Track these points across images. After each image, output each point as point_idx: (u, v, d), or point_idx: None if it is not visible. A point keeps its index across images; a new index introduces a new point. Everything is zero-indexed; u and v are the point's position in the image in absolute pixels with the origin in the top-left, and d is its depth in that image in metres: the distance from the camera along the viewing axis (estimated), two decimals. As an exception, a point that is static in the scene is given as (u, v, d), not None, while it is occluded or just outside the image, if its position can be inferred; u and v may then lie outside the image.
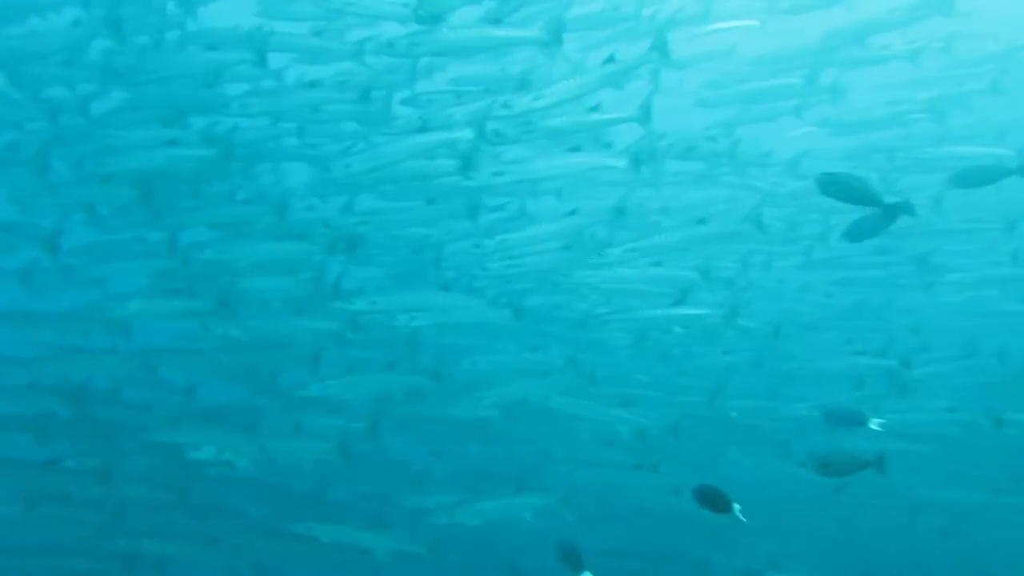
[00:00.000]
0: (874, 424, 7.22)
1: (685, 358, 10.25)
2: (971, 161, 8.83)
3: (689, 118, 10.29)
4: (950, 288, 10.22)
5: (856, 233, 7.31)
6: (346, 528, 7.11)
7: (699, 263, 7.71)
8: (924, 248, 9.67)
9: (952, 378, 9.58)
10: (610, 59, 6.28)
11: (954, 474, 10.07)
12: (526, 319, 8.20)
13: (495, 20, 6.70)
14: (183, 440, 7.30)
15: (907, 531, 10.49)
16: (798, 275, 11.57)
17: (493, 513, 7.26)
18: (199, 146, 7.20)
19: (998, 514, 9.89)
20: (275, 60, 8.23)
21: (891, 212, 6.18)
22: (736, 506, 5.67)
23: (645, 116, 6.65)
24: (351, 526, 7.13)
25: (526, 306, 8.20)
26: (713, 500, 5.71)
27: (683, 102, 10.59)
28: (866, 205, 6.28)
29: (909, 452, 10.04)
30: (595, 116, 6.60)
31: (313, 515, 7.15)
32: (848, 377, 9.53)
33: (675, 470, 10.19)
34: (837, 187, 6.22)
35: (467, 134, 6.47)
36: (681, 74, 12.04)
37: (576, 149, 6.63)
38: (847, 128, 10.04)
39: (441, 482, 8.75)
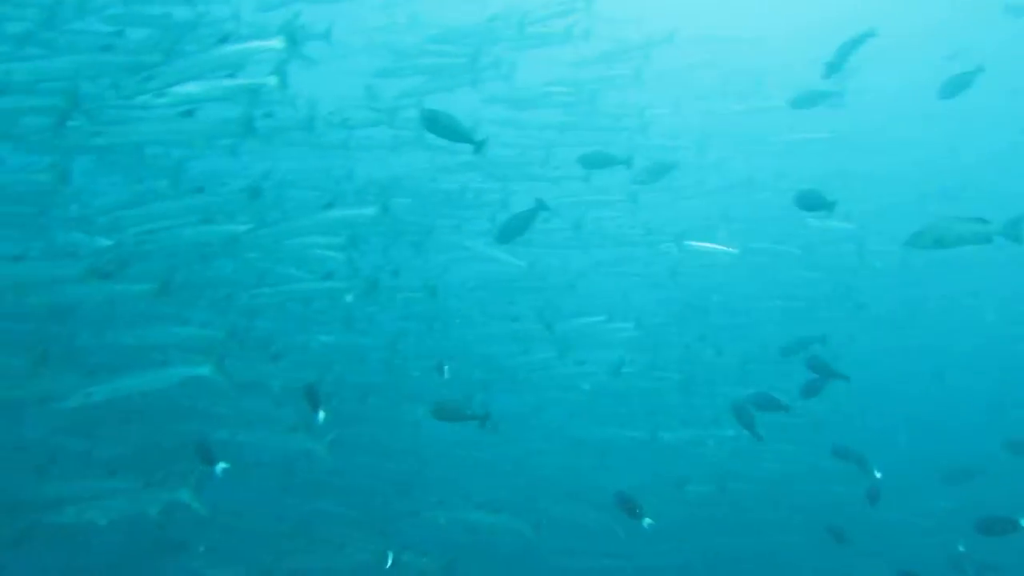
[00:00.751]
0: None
1: (367, 322, 10.60)
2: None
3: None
4: (600, 252, 11.58)
5: (505, 234, 8.00)
6: None
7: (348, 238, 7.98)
8: (577, 215, 10.75)
9: (597, 336, 10.87)
10: (224, 39, 6.18)
11: (601, 416, 11.58)
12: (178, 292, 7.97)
13: None
14: None
15: (570, 464, 11.91)
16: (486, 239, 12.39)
17: (121, 509, 6.98)
18: None
19: (629, 446, 11.54)
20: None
21: (479, 147, 6.89)
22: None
23: (281, 83, 6.66)
24: None
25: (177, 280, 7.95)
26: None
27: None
28: (460, 142, 6.87)
29: (566, 400, 11.40)
30: (228, 82, 6.48)
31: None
32: (511, 337, 10.48)
33: (366, 430, 10.76)
34: (436, 124, 6.72)
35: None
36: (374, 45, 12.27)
37: (189, 114, 6.53)
38: (514, 103, 10.78)
39: (96, 466, 8.26)
